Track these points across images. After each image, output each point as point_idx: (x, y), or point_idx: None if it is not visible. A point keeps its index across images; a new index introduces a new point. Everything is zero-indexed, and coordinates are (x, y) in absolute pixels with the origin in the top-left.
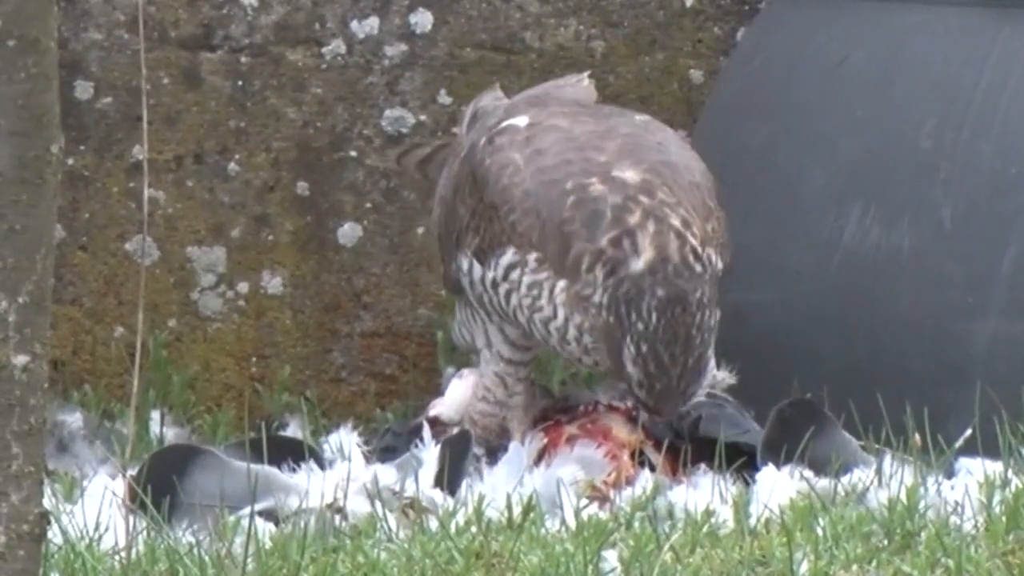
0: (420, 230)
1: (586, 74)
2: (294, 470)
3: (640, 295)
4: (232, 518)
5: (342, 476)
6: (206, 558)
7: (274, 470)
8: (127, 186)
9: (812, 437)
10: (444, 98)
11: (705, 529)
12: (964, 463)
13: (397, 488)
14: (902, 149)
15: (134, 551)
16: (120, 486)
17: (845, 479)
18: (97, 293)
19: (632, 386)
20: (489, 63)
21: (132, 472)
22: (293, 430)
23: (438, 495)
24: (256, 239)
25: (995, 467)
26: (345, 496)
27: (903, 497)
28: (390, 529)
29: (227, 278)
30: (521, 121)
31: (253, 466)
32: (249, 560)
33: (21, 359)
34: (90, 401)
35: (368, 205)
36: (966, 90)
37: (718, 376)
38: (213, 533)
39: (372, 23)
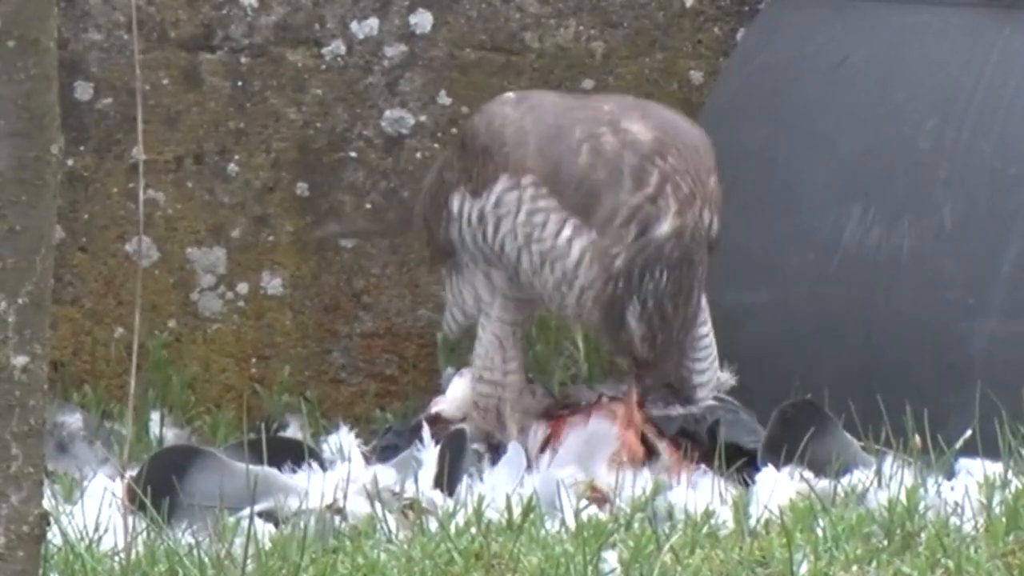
0: None
1: None
2: (294, 471)
3: (658, 259)
4: (232, 519)
5: (342, 477)
6: (206, 559)
7: (274, 471)
8: (127, 187)
9: (812, 438)
10: (444, 99)
11: (705, 530)
12: (964, 464)
13: (397, 489)
14: (902, 149)
15: (134, 552)
16: (120, 487)
17: (845, 480)
18: (97, 294)
19: (633, 342)
20: (489, 64)
21: (132, 473)
22: (293, 431)
23: (438, 496)
24: (256, 240)
25: (995, 468)
26: (345, 497)
27: (903, 498)
28: (390, 530)
29: (227, 279)
30: (508, 95)
31: (253, 467)
32: (249, 561)
33: (21, 360)
34: (90, 402)
35: (368, 205)
36: (966, 90)
37: (721, 378)
38: (213, 534)
39: (372, 24)
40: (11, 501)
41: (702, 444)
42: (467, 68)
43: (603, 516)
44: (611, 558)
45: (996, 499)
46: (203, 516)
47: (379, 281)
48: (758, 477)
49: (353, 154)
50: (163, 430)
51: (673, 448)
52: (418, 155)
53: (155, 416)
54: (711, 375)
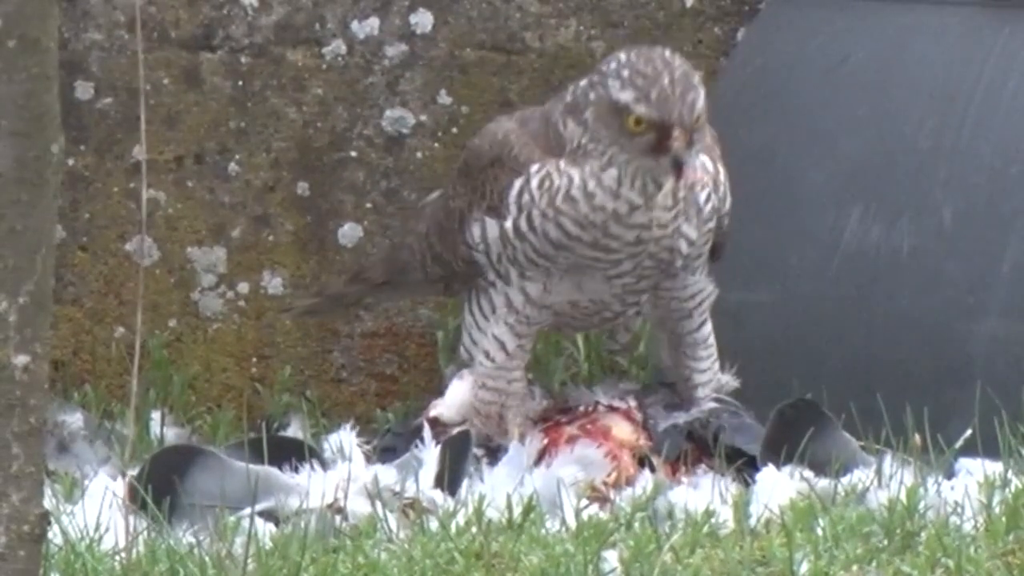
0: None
1: None
2: (295, 470)
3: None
4: (232, 518)
5: (342, 476)
6: (206, 558)
7: (274, 470)
8: (127, 186)
9: (812, 437)
10: (444, 98)
11: (705, 529)
12: (964, 463)
13: (397, 488)
14: (902, 149)
15: (134, 552)
16: (120, 486)
17: (845, 479)
18: (97, 293)
19: (631, 109)
20: (489, 63)
21: (132, 472)
22: (293, 430)
23: (438, 495)
24: (256, 239)
25: (995, 467)
26: (345, 496)
27: (903, 497)
28: (390, 529)
29: (227, 278)
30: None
31: (253, 466)
32: (249, 560)
33: (21, 359)
34: (90, 401)
35: (368, 205)
36: (966, 90)
37: (722, 379)
38: (213, 533)
39: (372, 23)
40: (12, 501)
41: (708, 451)
42: (467, 68)
43: (603, 515)
44: (611, 557)
45: (996, 499)
46: (204, 516)
47: None
48: (758, 477)
49: (353, 154)
50: (164, 430)
51: (670, 462)
52: (418, 155)
53: (156, 416)
54: (712, 375)
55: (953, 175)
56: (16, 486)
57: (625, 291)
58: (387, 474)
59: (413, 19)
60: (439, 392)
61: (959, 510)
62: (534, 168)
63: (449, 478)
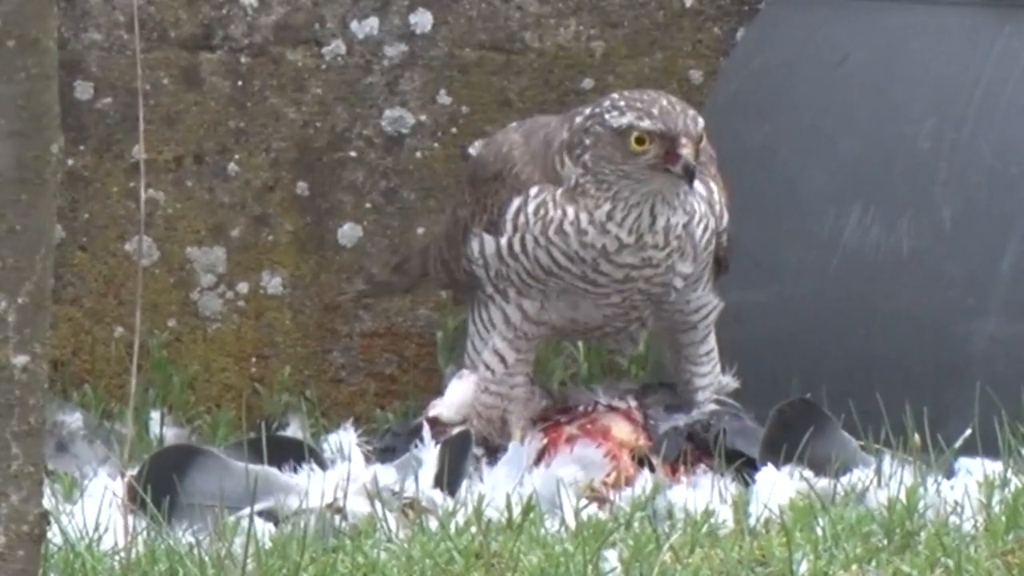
0: (420, 230)
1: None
2: (294, 470)
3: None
4: (232, 518)
5: (342, 476)
6: (206, 558)
7: (274, 470)
8: (127, 186)
9: (812, 437)
10: (444, 98)
11: (705, 529)
12: (964, 463)
13: (397, 488)
14: (902, 149)
15: (134, 551)
16: (120, 486)
17: (845, 479)
18: (97, 293)
19: (634, 126)
20: (489, 63)
21: (132, 472)
22: (293, 430)
23: (438, 495)
24: (256, 239)
25: (995, 467)
26: (345, 496)
27: (903, 497)
28: (390, 529)
29: (227, 278)
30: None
31: (253, 466)
32: (249, 560)
33: (21, 359)
34: (90, 401)
35: (368, 205)
36: (966, 90)
37: (723, 380)
38: (213, 533)
39: (372, 23)
40: (11, 500)
41: (709, 453)
42: (467, 68)
43: (603, 515)
44: (611, 557)
45: (996, 498)
46: (203, 515)
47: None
48: (758, 476)
49: (353, 154)
50: (163, 429)
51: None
52: (418, 155)
53: (155, 415)
54: (712, 378)
55: (953, 175)
56: (15, 486)
57: (615, 316)
58: (386, 474)
59: (412, 19)
60: (438, 392)
61: (959, 510)
62: (533, 191)
63: (449, 478)
